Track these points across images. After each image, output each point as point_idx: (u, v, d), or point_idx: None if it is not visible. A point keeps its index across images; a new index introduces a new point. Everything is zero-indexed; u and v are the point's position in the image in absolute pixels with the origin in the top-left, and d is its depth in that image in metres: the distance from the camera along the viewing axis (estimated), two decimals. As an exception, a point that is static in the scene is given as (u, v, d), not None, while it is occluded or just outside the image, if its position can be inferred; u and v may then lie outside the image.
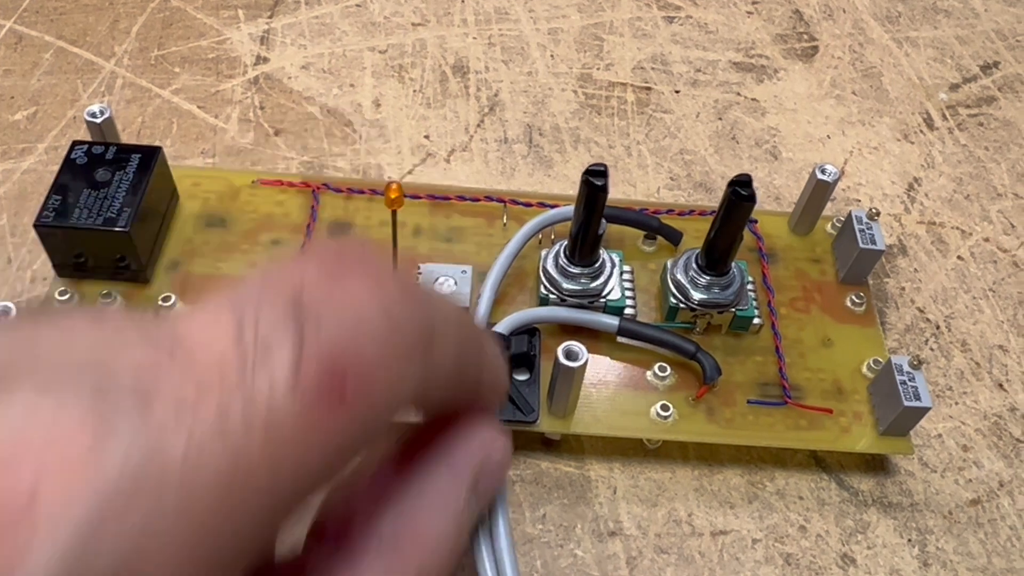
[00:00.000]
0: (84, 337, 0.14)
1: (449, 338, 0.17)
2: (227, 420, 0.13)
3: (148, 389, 0.13)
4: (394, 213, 0.30)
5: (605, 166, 0.28)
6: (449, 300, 0.19)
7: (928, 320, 0.36)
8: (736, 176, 0.28)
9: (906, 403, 0.29)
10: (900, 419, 0.30)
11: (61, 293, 0.32)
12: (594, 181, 0.28)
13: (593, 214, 0.29)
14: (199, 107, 0.41)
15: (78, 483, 0.12)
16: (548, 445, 0.31)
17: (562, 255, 0.32)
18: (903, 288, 0.37)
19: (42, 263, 0.35)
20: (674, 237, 0.35)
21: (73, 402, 0.13)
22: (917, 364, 0.30)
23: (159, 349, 0.14)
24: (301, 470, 0.14)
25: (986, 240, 0.39)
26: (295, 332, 0.14)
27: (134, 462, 0.12)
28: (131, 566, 0.12)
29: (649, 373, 0.31)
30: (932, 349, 0.35)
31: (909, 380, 0.30)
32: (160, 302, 0.32)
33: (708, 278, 0.31)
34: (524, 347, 0.30)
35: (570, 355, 0.27)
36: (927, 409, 0.29)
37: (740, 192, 0.28)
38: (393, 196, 0.29)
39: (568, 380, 0.28)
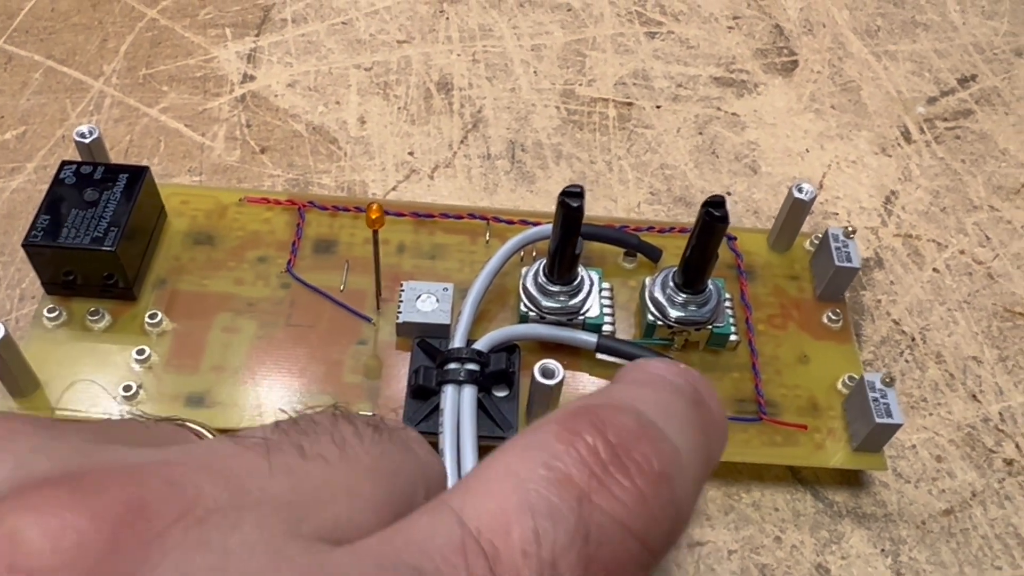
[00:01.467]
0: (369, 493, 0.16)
1: (689, 503, 0.18)
2: None
3: None
4: (375, 232, 0.31)
5: (581, 187, 0.29)
6: (687, 420, 0.20)
7: (904, 332, 0.37)
8: (710, 197, 0.29)
9: (877, 420, 0.30)
10: (872, 435, 0.30)
11: (50, 311, 0.32)
12: (570, 202, 0.29)
13: (570, 234, 0.30)
14: (186, 125, 0.42)
15: None
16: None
17: (541, 273, 0.32)
18: (879, 301, 0.38)
19: (31, 281, 0.35)
20: (653, 254, 0.35)
21: None
22: (889, 381, 0.30)
23: (465, 548, 0.15)
24: None
25: (961, 252, 0.40)
26: (583, 543, 0.15)
27: None
28: None
29: (627, 388, 0.32)
30: (907, 361, 0.36)
31: (881, 397, 0.30)
32: (147, 319, 0.32)
33: (685, 296, 0.32)
34: (503, 364, 0.30)
35: (546, 373, 0.28)
36: (898, 426, 0.30)
37: (713, 213, 0.29)
38: (374, 216, 0.29)
39: (545, 397, 0.28)
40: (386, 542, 0.15)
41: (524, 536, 0.15)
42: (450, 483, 0.27)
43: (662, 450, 0.17)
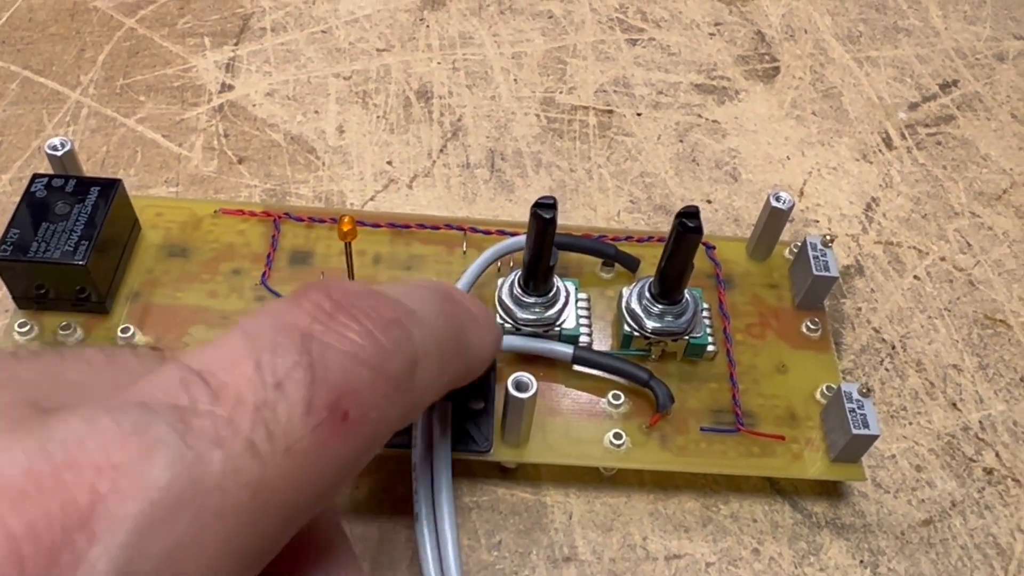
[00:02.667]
0: (107, 370, 0.18)
1: (432, 358, 0.20)
2: (256, 444, 0.16)
3: (184, 417, 0.16)
4: (348, 245, 0.30)
5: (554, 198, 0.28)
6: (433, 304, 0.22)
7: (884, 340, 0.36)
8: (684, 208, 0.29)
9: (854, 431, 0.29)
10: (850, 446, 0.30)
11: (21, 325, 0.32)
12: (542, 213, 0.28)
13: (543, 245, 0.30)
14: (163, 136, 0.41)
15: (132, 491, 0.14)
16: (505, 472, 0.32)
17: (517, 284, 0.32)
18: (859, 309, 0.37)
19: (2, 295, 0.35)
20: (631, 264, 0.35)
21: (122, 425, 0.15)
22: (867, 392, 0.30)
23: (186, 383, 0.16)
24: (314, 484, 0.17)
25: (942, 259, 0.39)
26: (306, 371, 0.17)
27: (180, 476, 0.15)
28: (175, 566, 0.15)
29: (603, 401, 0.32)
30: (887, 369, 0.36)
31: (858, 408, 0.30)
32: (119, 333, 0.32)
33: (661, 306, 0.32)
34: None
35: (520, 386, 0.28)
36: (875, 437, 0.30)
37: (687, 224, 0.29)
38: (346, 229, 0.29)
39: (519, 411, 0.28)
40: (110, 398, 0.16)
41: (245, 368, 0.17)
42: (421, 509, 0.27)
43: (390, 304, 0.20)
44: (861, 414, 0.30)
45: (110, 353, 0.18)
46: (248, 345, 0.17)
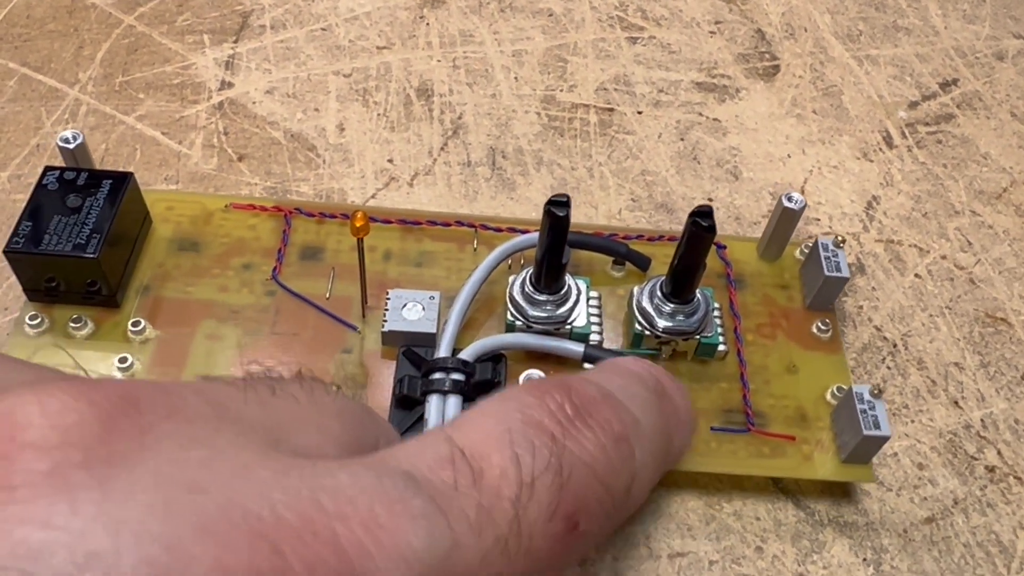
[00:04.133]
0: (310, 410, 0.18)
1: (647, 469, 0.21)
2: (508, 539, 0.16)
3: (448, 496, 0.16)
4: (360, 241, 0.30)
5: (567, 196, 0.29)
6: (651, 409, 0.23)
7: (885, 339, 0.37)
8: (697, 207, 0.29)
9: (865, 432, 0.30)
10: (860, 447, 0.30)
11: (32, 318, 0.32)
12: (556, 211, 0.28)
13: (556, 243, 0.30)
14: (163, 133, 0.41)
15: (394, 557, 0.15)
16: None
17: (528, 282, 0.32)
18: (861, 307, 0.38)
19: (10, 286, 0.35)
20: (642, 263, 0.35)
21: (388, 490, 0.15)
22: (878, 393, 0.30)
23: (453, 460, 0.17)
24: None
25: (943, 258, 0.40)
26: (555, 474, 0.18)
27: (438, 555, 0.15)
28: None
29: (611, 399, 0.32)
30: (889, 367, 0.36)
31: (870, 409, 0.30)
32: (130, 327, 0.32)
33: (673, 306, 0.32)
34: (489, 375, 0.30)
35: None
36: (886, 438, 0.30)
37: (700, 223, 0.29)
38: (359, 224, 0.29)
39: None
40: (372, 457, 0.16)
41: (504, 460, 0.17)
42: None
43: (622, 416, 0.20)
44: (873, 415, 0.30)
45: (309, 390, 0.18)
46: (503, 434, 0.18)
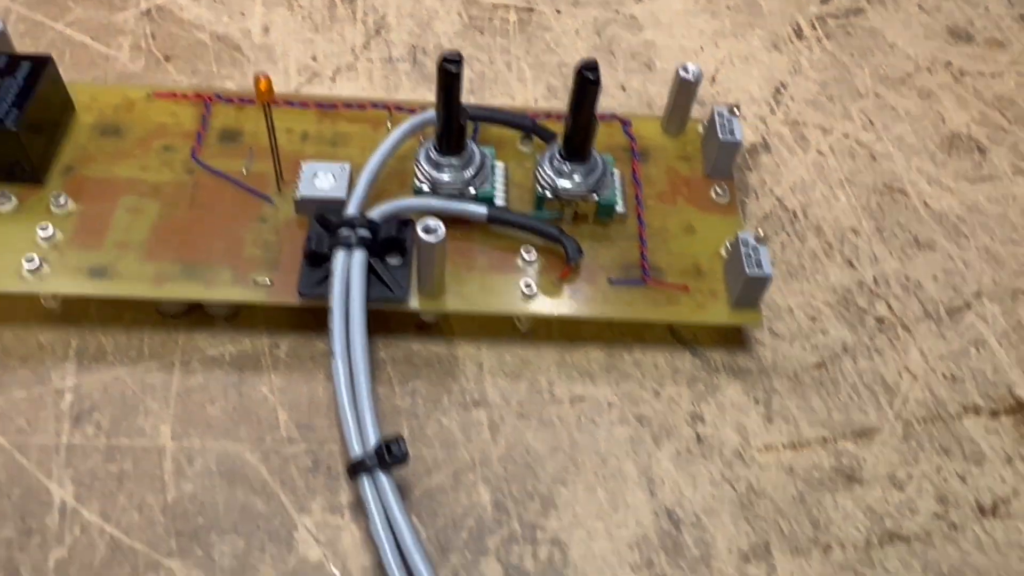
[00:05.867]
0: None
1: None
2: None
3: None
4: (267, 106, 0.32)
5: (459, 53, 0.30)
6: None
7: (786, 208, 0.38)
8: (583, 61, 0.30)
9: (748, 271, 0.31)
10: (746, 289, 0.32)
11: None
12: (449, 68, 0.30)
13: (451, 99, 0.31)
14: (91, 38, 0.42)
15: None
16: (421, 329, 0.33)
17: (432, 148, 0.33)
18: (764, 180, 0.39)
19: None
20: (548, 137, 0.37)
21: None
22: (762, 239, 0.32)
23: None
24: None
25: (846, 136, 0.41)
26: None
27: None
28: None
29: (517, 258, 0.33)
30: (788, 234, 0.38)
31: (753, 252, 0.32)
32: (51, 199, 0.33)
33: (571, 166, 0.33)
34: (393, 231, 0.32)
35: (427, 230, 0.29)
36: (768, 278, 0.31)
37: (587, 76, 0.30)
38: (263, 88, 0.30)
39: (429, 255, 0.30)
40: None
41: None
42: (336, 346, 0.29)
43: None
44: (756, 259, 0.32)
45: None
46: None
